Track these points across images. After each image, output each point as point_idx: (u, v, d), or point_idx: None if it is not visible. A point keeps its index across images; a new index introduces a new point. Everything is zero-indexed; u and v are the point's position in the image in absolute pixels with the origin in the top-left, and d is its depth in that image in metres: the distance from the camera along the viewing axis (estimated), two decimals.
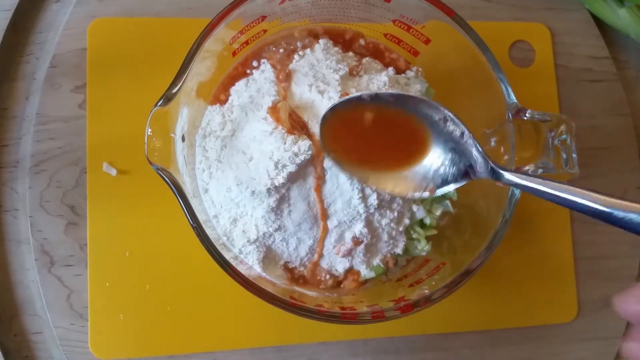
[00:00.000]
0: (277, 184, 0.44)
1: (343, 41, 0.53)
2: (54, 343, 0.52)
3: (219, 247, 0.42)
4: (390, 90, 0.45)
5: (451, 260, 0.47)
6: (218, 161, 0.47)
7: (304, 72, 0.48)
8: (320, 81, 0.47)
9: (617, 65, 0.64)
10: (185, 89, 0.43)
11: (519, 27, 0.62)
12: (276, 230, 0.46)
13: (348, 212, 0.46)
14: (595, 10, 0.63)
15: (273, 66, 0.49)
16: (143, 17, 0.56)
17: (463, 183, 0.43)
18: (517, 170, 0.42)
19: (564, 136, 0.45)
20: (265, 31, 0.50)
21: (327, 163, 0.45)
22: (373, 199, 0.46)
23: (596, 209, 0.34)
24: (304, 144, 0.44)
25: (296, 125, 0.45)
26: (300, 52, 0.50)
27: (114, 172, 0.54)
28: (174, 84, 0.42)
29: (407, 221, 0.49)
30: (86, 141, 0.54)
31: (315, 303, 0.44)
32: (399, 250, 0.49)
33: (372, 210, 0.46)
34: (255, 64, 0.50)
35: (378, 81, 0.48)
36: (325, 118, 0.44)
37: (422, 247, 0.50)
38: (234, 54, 0.50)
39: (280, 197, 0.45)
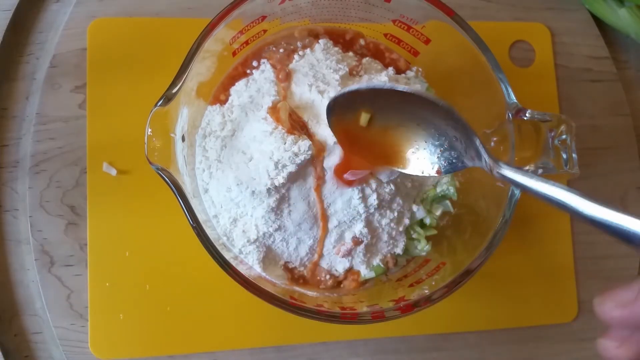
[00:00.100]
0: (277, 184, 0.44)
1: (343, 41, 0.53)
2: (54, 343, 0.52)
3: (219, 247, 0.42)
4: (387, 85, 0.44)
5: (451, 260, 0.47)
6: (218, 161, 0.47)
7: (304, 72, 0.48)
8: (320, 81, 0.47)
9: (617, 65, 0.64)
10: (185, 89, 0.43)
11: (519, 27, 0.62)
12: (276, 230, 0.46)
13: (348, 212, 0.46)
14: (595, 10, 0.63)
15: (273, 66, 0.49)
16: (143, 17, 0.56)
17: (468, 166, 0.43)
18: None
19: (564, 136, 0.44)
20: (265, 31, 0.50)
21: (327, 163, 0.45)
22: (373, 199, 0.46)
23: (580, 212, 0.33)
24: (304, 144, 0.44)
25: (296, 125, 0.45)
26: (300, 52, 0.50)
27: (114, 172, 0.54)
28: (174, 84, 0.42)
29: (407, 221, 0.49)
30: (86, 141, 0.54)
31: (315, 303, 0.44)
32: (399, 250, 0.49)
33: (372, 210, 0.46)
34: (255, 64, 0.50)
35: (378, 81, 0.48)
36: (330, 108, 0.44)
37: (422, 247, 0.50)
38: (234, 54, 0.50)
39: (280, 197, 0.45)
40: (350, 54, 0.52)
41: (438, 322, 0.57)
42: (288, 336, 0.54)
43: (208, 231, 0.42)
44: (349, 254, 0.48)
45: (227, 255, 0.42)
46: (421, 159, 0.44)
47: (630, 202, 0.62)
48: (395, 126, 0.44)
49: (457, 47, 0.47)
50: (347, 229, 0.47)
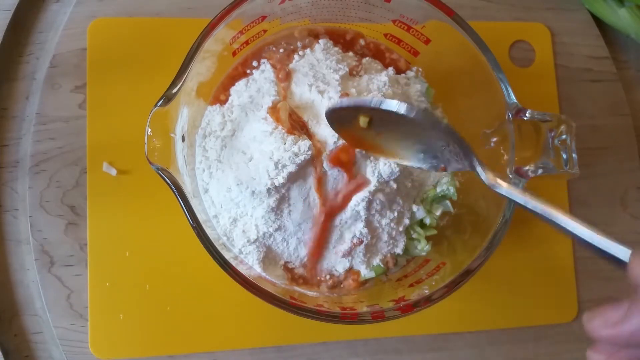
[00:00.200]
0: (277, 184, 0.44)
1: (343, 41, 0.53)
2: (54, 343, 0.52)
3: (219, 247, 0.42)
4: (373, 101, 0.43)
5: (451, 260, 0.47)
6: (218, 161, 0.47)
7: (304, 72, 0.48)
8: (320, 81, 0.47)
9: (617, 65, 0.64)
10: (185, 89, 0.43)
11: (519, 27, 0.62)
12: (276, 230, 0.46)
13: (348, 212, 0.46)
14: (595, 10, 0.63)
15: (273, 66, 0.49)
16: (143, 17, 0.56)
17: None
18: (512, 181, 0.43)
19: (564, 136, 0.44)
20: (265, 31, 0.50)
21: (327, 163, 0.45)
22: (374, 199, 0.46)
23: (578, 237, 0.37)
24: (304, 144, 0.44)
25: (296, 125, 0.45)
26: (300, 52, 0.50)
27: (114, 172, 0.54)
28: (174, 84, 0.42)
29: (407, 221, 0.49)
30: (86, 141, 0.54)
31: (315, 303, 0.44)
32: (399, 250, 0.49)
33: (372, 211, 0.46)
34: (255, 64, 0.50)
35: (378, 81, 0.48)
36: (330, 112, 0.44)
37: (422, 247, 0.50)
38: (234, 54, 0.50)
39: (280, 197, 0.45)
40: (350, 54, 0.52)
41: (438, 322, 0.57)
42: (288, 336, 0.54)
43: (208, 231, 0.42)
44: (349, 254, 0.48)
45: (227, 255, 0.42)
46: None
47: (630, 202, 0.62)
48: (394, 129, 0.44)
49: (457, 47, 0.47)
50: (347, 229, 0.47)
